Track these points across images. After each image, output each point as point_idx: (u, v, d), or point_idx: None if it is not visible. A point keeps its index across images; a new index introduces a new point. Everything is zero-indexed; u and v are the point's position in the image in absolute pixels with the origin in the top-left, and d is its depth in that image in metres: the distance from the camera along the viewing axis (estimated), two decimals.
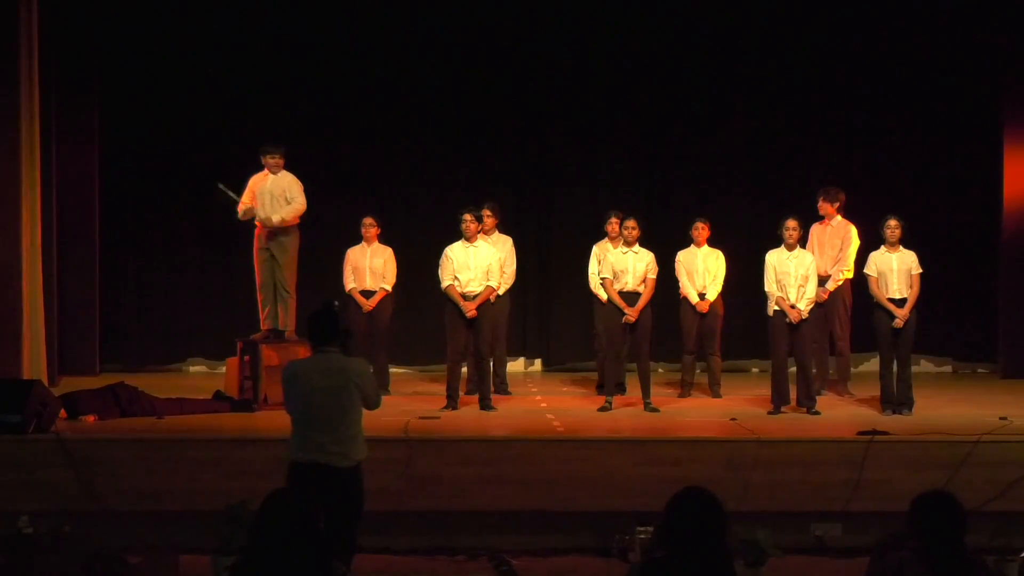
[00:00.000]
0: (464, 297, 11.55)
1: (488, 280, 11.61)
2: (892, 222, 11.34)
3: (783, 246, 11.39)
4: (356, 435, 7.33)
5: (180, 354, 14.93)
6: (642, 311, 11.53)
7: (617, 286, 11.60)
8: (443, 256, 11.70)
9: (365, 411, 7.47)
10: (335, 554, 6.57)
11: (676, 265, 12.41)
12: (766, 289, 11.39)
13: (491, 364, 12.01)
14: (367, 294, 12.66)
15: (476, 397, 11.74)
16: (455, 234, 11.75)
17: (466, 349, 11.71)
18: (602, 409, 11.49)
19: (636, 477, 9.61)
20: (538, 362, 15.23)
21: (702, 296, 12.33)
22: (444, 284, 11.62)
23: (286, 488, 5.47)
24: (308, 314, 7.59)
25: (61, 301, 13.26)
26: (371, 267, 12.70)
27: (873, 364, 12.32)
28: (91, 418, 10.71)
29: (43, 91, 12.23)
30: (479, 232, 11.80)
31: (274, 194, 11.90)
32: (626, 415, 11.40)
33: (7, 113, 11.71)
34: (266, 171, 11.97)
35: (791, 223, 11.41)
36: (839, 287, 12.21)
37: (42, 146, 12.27)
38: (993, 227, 14.38)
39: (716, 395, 12.42)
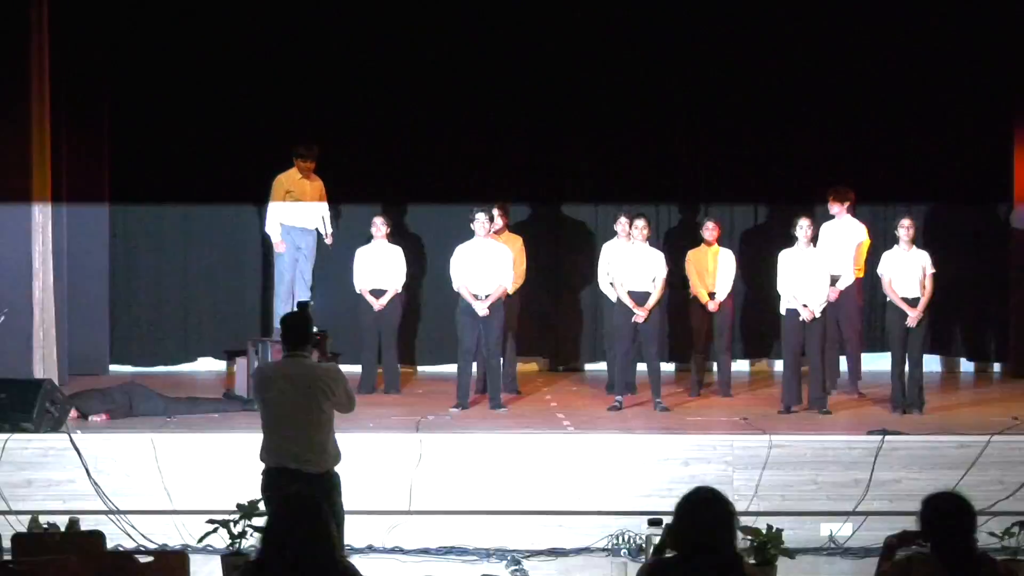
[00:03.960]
0: (476, 296, 11.56)
1: (500, 279, 11.63)
2: (906, 221, 11.35)
3: (797, 244, 11.40)
4: (326, 442, 7.28)
5: (190, 354, 14.94)
6: (652, 310, 11.53)
7: (627, 285, 11.60)
8: (455, 255, 11.71)
9: (356, 413, 7.47)
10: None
11: (686, 264, 12.41)
12: (779, 288, 11.39)
13: (501, 363, 12.02)
14: (377, 293, 12.67)
15: (486, 396, 11.75)
16: (465, 233, 11.76)
17: (477, 348, 11.71)
18: (612, 408, 11.49)
19: (646, 476, 9.62)
20: (548, 361, 15.21)
21: (712, 295, 12.33)
22: (456, 283, 11.63)
23: (299, 490, 5.47)
24: (282, 317, 7.60)
25: (71, 301, 13.27)
26: (381, 266, 12.71)
27: (883, 363, 12.30)
28: (102, 417, 10.74)
29: (54, 88, 12.24)
30: (490, 232, 11.82)
31: (314, 198, 12.38)
32: (636, 414, 11.40)
33: (18, 110, 11.73)
34: (297, 173, 12.19)
35: (805, 221, 11.42)
36: (849, 286, 12.22)
37: (52, 144, 12.29)
38: (1003, 227, 14.35)
39: (726, 394, 12.41)
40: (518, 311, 12.75)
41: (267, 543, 4.69)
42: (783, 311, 11.41)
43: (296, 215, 12.41)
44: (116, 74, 14.16)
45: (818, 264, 11.37)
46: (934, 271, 11.27)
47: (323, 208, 12.63)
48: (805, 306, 11.25)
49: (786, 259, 11.40)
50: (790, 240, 11.49)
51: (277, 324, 11.64)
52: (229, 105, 14.37)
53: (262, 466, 7.34)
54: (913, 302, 11.20)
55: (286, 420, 7.18)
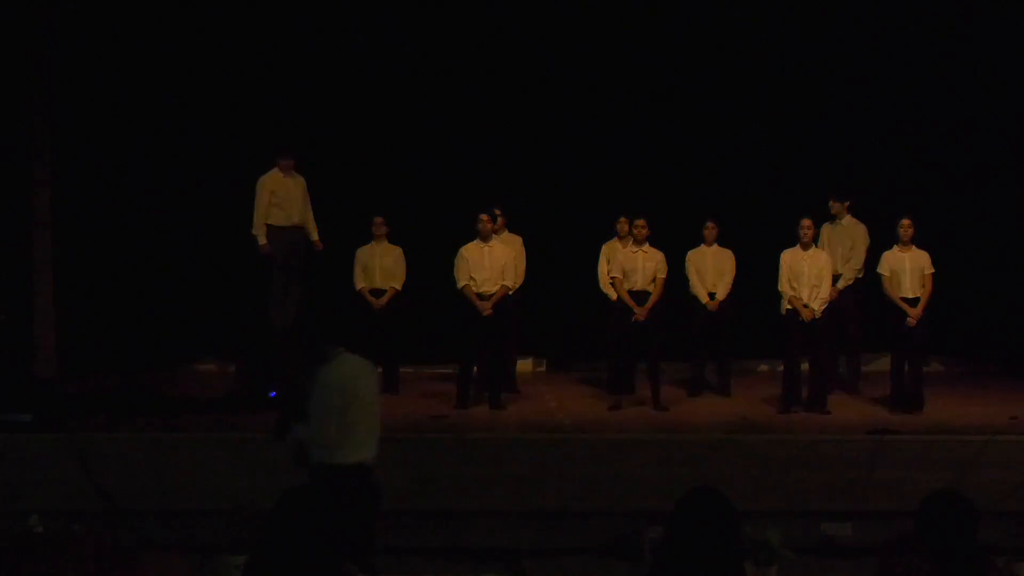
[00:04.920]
0: (479, 296, 11.56)
1: (503, 279, 11.63)
2: (906, 221, 11.37)
3: (798, 245, 11.42)
4: None
5: (191, 353, 14.93)
6: (652, 310, 11.54)
7: (627, 285, 11.61)
8: (458, 256, 11.72)
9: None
10: (359, 555, 6.56)
11: (686, 264, 12.41)
12: (779, 288, 11.41)
13: (502, 363, 12.01)
14: (377, 293, 12.67)
15: (486, 396, 11.74)
16: (464, 233, 11.76)
17: (477, 348, 11.71)
18: (612, 408, 11.50)
19: (646, 476, 9.62)
20: (547, 361, 15.21)
21: (712, 295, 12.33)
22: (460, 284, 11.64)
23: (302, 487, 5.45)
24: (321, 311, 7.49)
25: (71, 300, 13.27)
26: (381, 266, 12.72)
27: (883, 363, 12.31)
28: (102, 417, 10.73)
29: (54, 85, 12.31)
30: (491, 232, 11.83)
31: (298, 196, 12.53)
32: (636, 414, 11.40)
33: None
34: (279, 173, 12.33)
35: (806, 222, 11.45)
36: (849, 286, 12.24)
37: (53, 144, 12.32)
38: (1003, 226, 14.34)
39: (726, 394, 12.42)
40: (518, 311, 12.75)
41: (268, 541, 4.68)
42: (783, 311, 11.43)
43: (283, 215, 12.45)
44: (118, 73, 14.18)
45: (819, 265, 11.38)
46: (933, 271, 11.28)
47: (307, 207, 12.63)
48: (805, 306, 11.27)
49: (787, 259, 11.42)
50: (791, 240, 11.50)
51: (272, 326, 11.72)
52: (229, 101, 14.37)
53: (318, 464, 7.13)
54: (913, 302, 11.21)
55: (365, 416, 7.16)
